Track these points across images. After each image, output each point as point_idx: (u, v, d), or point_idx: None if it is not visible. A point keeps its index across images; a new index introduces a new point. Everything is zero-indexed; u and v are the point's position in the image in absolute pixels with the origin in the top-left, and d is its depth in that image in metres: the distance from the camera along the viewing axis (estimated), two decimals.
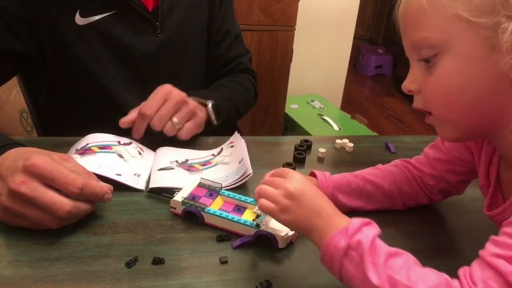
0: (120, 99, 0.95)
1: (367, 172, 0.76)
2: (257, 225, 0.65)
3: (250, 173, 0.77)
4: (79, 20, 0.89)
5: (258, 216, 0.66)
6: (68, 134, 0.87)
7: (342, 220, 0.52)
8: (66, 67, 0.92)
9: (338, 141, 0.96)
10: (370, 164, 0.79)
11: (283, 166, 0.84)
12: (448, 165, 0.72)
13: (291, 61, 2.10)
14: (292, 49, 2.07)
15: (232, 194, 0.72)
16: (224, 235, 0.66)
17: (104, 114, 0.94)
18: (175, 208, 0.70)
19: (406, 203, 0.76)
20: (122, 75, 0.95)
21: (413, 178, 0.75)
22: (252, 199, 0.70)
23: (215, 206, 0.70)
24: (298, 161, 0.88)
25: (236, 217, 0.66)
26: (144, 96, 0.88)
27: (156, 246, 0.63)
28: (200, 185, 0.74)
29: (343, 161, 0.92)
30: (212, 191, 0.73)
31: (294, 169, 0.84)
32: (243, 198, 0.71)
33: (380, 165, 0.78)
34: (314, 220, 0.53)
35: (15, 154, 0.63)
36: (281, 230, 0.63)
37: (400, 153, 0.96)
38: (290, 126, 2.32)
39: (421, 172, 0.75)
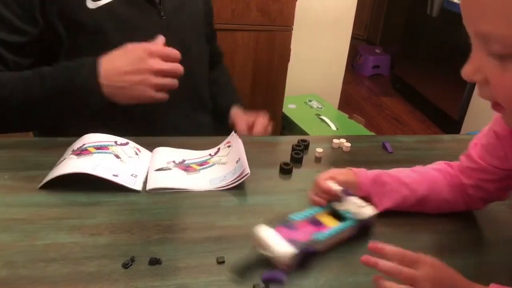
0: None
1: (405, 175, 0.75)
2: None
3: (248, 173, 0.77)
4: (90, 3, 0.90)
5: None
6: (64, 134, 0.87)
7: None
8: (78, 51, 0.92)
9: (335, 141, 0.96)
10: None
11: (280, 166, 0.84)
12: (482, 174, 0.70)
13: (288, 61, 2.10)
14: (290, 49, 2.07)
15: (301, 215, 0.68)
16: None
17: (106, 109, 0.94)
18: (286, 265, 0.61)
19: (440, 208, 0.74)
20: None
21: (455, 185, 0.73)
22: (318, 209, 0.70)
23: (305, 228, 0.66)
24: (295, 161, 0.88)
25: (335, 228, 0.66)
26: None
27: (153, 247, 0.63)
28: (274, 225, 0.64)
29: (341, 160, 0.92)
30: (287, 223, 0.66)
31: (291, 168, 0.84)
32: (309, 212, 0.69)
33: (419, 167, 0.77)
34: None
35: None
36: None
37: (397, 153, 0.96)
38: (288, 126, 2.32)
39: (461, 179, 0.73)
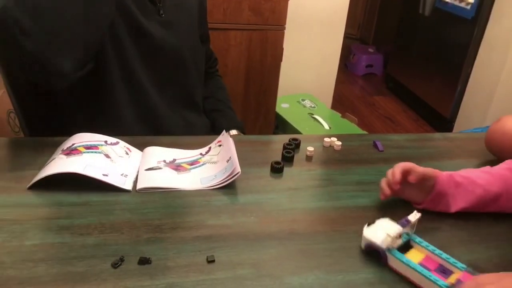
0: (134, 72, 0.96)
1: (476, 176, 0.75)
2: None
3: (238, 172, 0.77)
4: None
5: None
6: (54, 134, 0.86)
7: None
8: None
9: (326, 139, 0.97)
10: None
11: (272, 165, 0.84)
12: None
13: (281, 60, 2.10)
14: (282, 48, 2.07)
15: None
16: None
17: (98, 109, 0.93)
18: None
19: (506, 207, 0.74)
20: (136, 51, 0.95)
21: None
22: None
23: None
24: (286, 160, 0.88)
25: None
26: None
27: (142, 246, 0.63)
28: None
29: (332, 159, 0.92)
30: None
31: (282, 167, 0.84)
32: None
33: (488, 168, 0.77)
34: None
35: None
36: None
37: (388, 151, 0.97)
38: (281, 125, 2.32)
39: None
